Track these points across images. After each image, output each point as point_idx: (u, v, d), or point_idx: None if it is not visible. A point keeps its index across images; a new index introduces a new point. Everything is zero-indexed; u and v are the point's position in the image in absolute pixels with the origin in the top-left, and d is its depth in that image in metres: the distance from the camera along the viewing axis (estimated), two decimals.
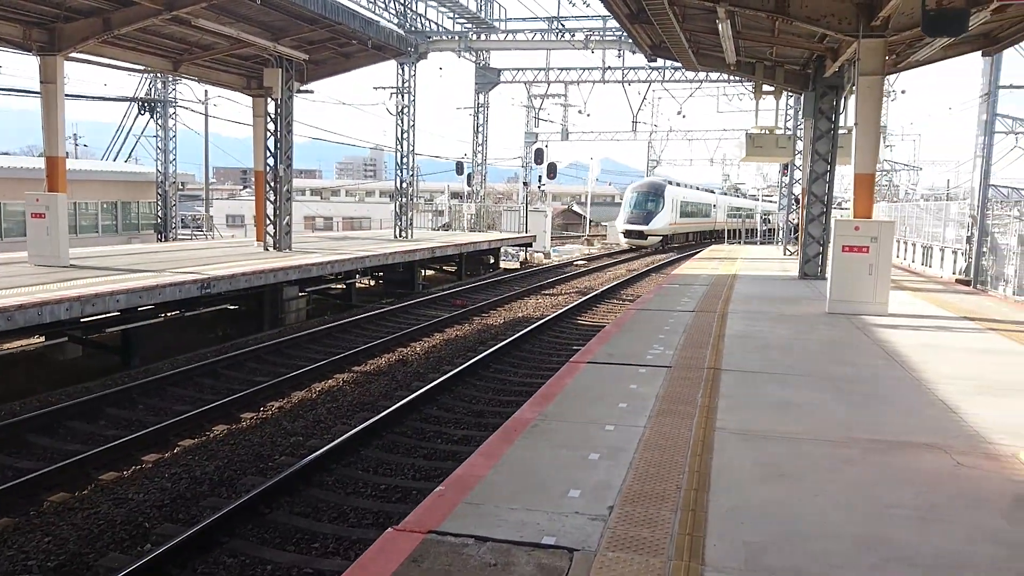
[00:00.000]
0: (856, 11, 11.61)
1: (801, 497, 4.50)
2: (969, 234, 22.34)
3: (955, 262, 23.70)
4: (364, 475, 7.58)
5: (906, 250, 29.99)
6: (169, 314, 13.52)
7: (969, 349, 9.30)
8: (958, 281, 21.29)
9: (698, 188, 51.52)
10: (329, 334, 14.62)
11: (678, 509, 4.25)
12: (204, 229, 36.12)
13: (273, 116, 19.29)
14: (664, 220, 40.72)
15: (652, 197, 40.81)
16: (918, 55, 14.21)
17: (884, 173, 49.78)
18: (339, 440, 8.09)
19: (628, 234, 41.10)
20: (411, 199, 28.82)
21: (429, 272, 24.86)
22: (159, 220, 31.47)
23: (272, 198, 19.56)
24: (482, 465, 4.91)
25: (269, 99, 19.28)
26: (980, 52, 14.96)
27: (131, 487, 7.17)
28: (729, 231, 41.87)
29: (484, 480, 4.64)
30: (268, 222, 19.76)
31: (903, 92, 39.90)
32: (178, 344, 13.24)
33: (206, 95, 33.24)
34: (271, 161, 19.50)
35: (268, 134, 19.49)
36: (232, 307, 14.86)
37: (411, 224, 28.04)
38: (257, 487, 6.85)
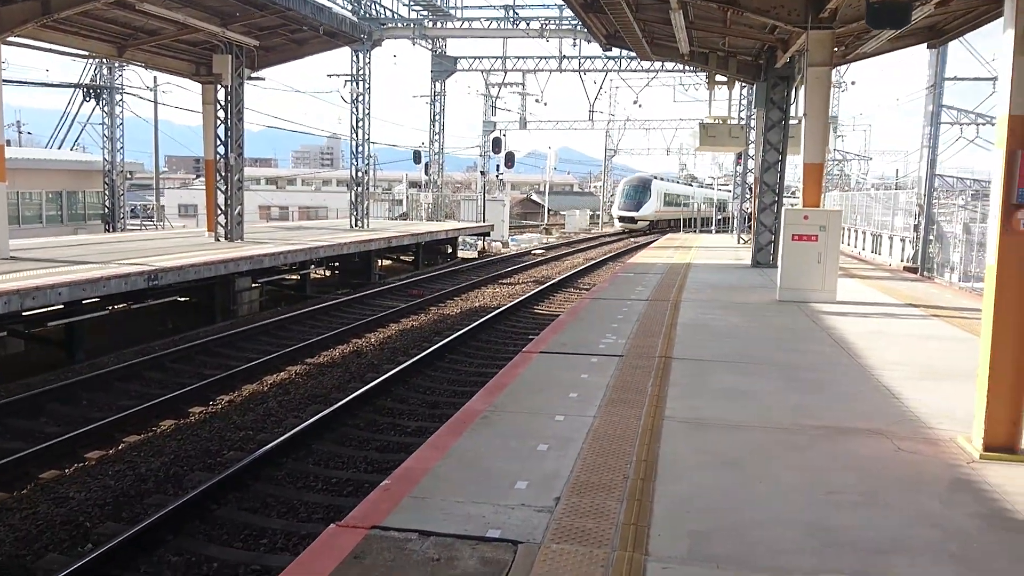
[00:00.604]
0: (804, 3, 11.76)
1: (747, 484, 4.55)
2: (916, 222, 22.85)
3: (903, 250, 24.24)
4: (315, 469, 7.47)
5: (856, 238, 30.58)
6: (116, 307, 13.19)
7: (914, 335, 9.52)
8: (906, 268, 21.79)
9: (678, 182, 60.42)
10: (282, 326, 14.40)
11: (624, 499, 4.26)
12: (155, 219, 35.28)
13: (223, 103, 18.87)
14: (651, 208, 49.27)
15: (641, 189, 49.53)
16: (866, 47, 14.46)
17: (836, 163, 50.78)
18: (290, 434, 7.97)
19: (622, 219, 50.19)
20: (367, 188, 28.52)
21: (386, 262, 24.65)
22: (106, 210, 30.64)
23: (223, 187, 19.17)
24: (430, 458, 4.87)
25: (219, 86, 18.85)
26: (926, 45, 15.28)
27: (72, 486, 6.97)
28: (705, 218, 45.80)
29: (431, 473, 4.60)
30: (219, 212, 19.36)
31: (853, 83, 40.63)
32: (125, 338, 12.92)
33: (155, 81, 32.33)
34: (221, 149, 19.10)
35: (218, 122, 19.07)
36: (182, 299, 14.56)
37: (367, 214, 27.76)
38: (204, 483, 6.71)
